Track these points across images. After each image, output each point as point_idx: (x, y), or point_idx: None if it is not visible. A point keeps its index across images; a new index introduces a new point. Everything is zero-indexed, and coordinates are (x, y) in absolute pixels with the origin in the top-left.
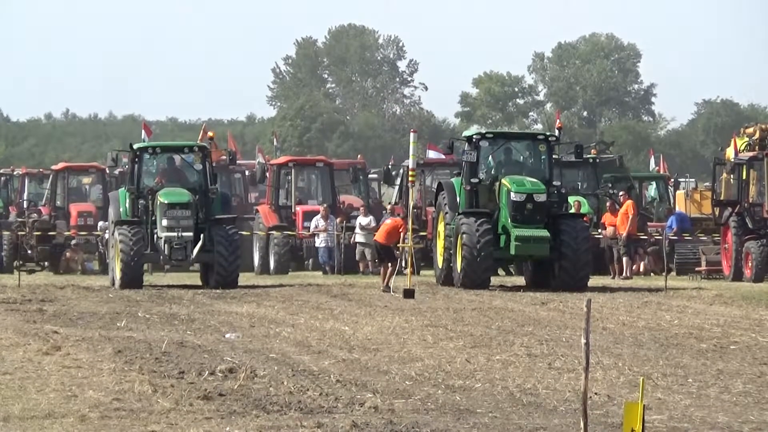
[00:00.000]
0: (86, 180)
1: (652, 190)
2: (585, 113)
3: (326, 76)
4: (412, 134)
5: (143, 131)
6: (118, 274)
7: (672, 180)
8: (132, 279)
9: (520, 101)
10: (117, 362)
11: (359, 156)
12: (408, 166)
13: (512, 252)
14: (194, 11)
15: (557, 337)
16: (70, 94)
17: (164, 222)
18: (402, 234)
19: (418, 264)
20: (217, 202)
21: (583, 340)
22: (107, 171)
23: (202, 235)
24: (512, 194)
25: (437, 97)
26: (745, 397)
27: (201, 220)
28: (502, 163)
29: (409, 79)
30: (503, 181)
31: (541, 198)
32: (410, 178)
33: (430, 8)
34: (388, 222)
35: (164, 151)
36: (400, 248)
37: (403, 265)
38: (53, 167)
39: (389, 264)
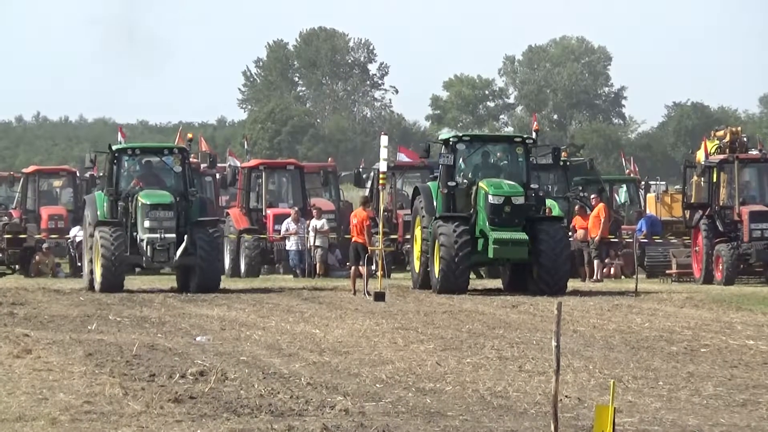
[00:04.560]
0: (57, 183)
1: (622, 193)
2: (555, 116)
3: (297, 79)
4: (382, 137)
5: (119, 135)
6: (98, 277)
7: (642, 183)
8: (113, 281)
9: (491, 104)
10: (88, 365)
11: (330, 159)
12: (378, 169)
13: (490, 255)
14: (164, 14)
15: (528, 340)
16: (41, 97)
17: (146, 223)
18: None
19: (388, 267)
20: (196, 205)
21: (553, 343)
22: (78, 174)
23: (185, 237)
24: (490, 197)
25: (408, 100)
26: (715, 399)
27: (181, 224)
28: (480, 166)
29: (380, 82)
30: (480, 184)
31: (519, 200)
32: (381, 181)
33: (400, 11)
34: (356, 215)
35: (143, 153)
36: (370, 251)
37: (373, 268)
38: (24, 170)
39: (365, 267)
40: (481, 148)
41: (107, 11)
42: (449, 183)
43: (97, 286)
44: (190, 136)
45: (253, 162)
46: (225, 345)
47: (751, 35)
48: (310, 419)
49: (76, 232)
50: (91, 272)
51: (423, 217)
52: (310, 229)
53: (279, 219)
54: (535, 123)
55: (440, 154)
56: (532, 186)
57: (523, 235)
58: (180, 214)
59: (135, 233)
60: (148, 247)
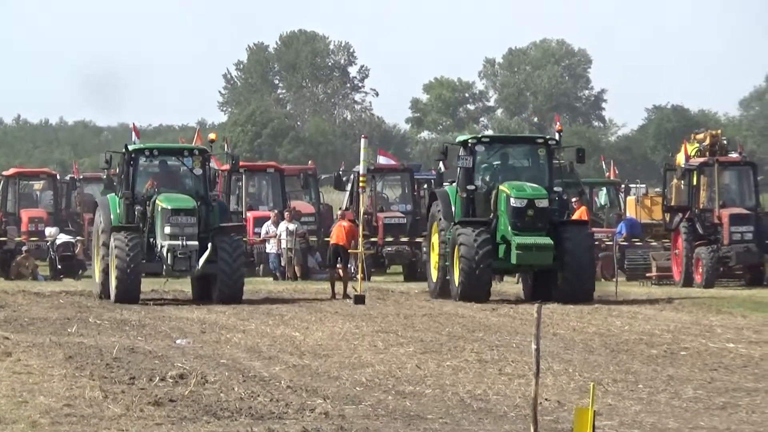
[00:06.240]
0: (37, 186)
1: (602, 196)
2: (536, 119)
3: (277, 81)
4: (362, 140)
5: (132, 133)
6: (113, 284)
7: (622, 186)
8: (129, 291)
9: (471, 107)
10: (68, 368)
11: (310, 162)
12: (359, 172)
13: (513, 261)
14: (145, 16)
15: (507, 343)
16: (21, 99)
17: (167, 229)
18: (355, 238)
19: (368, 270)
20: (216, 210)
21: (533, 346)
22: (58, 177)
23: (209, 245)
24: (512, 200)
25: (388, 103)
26: (695, 402)
27: (201, 230)
28: (500, 169)
29: (360, 85)
30: (501, 187)
31: (543, 204)
32: (361, 184)
33: (381, 14)
34: (344, 224)
35: (162, 154)
36: (351, 254)
37: (353, 270)
38: (4, 173)
39: (344, 269)
40: (501, 150)
41: (84, 11)
42: (468, 187)
43: (112, 295)
44: (212, 137)
45: None
46: (205, 348)
47: (731, 38)
48: (289, 422)
49: (55, 234)
50: (103, 276)
51: (441, 222)
52: (281, 231)
53: (259, 222)
54: (558, 123)
55: (458, 156)
56: (555, 189)
57: (548, 240)
58: (200, 220)
59: (152, 239)
60: (169, 254)
